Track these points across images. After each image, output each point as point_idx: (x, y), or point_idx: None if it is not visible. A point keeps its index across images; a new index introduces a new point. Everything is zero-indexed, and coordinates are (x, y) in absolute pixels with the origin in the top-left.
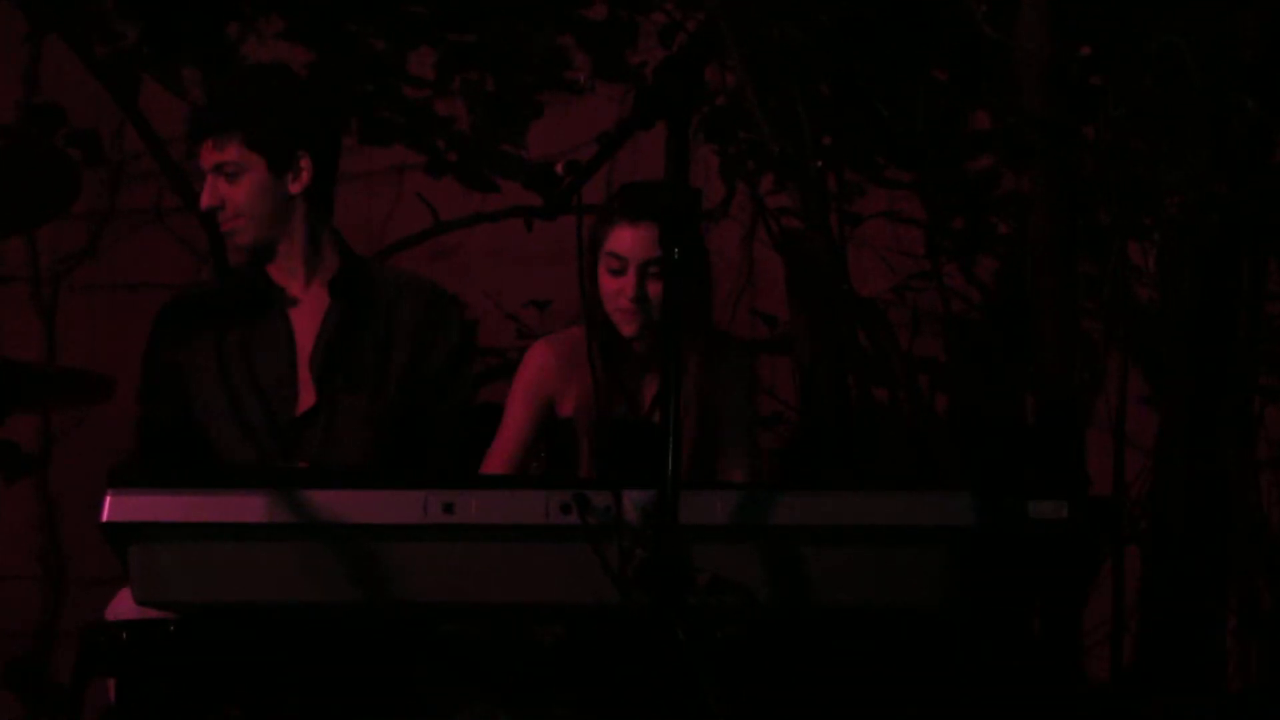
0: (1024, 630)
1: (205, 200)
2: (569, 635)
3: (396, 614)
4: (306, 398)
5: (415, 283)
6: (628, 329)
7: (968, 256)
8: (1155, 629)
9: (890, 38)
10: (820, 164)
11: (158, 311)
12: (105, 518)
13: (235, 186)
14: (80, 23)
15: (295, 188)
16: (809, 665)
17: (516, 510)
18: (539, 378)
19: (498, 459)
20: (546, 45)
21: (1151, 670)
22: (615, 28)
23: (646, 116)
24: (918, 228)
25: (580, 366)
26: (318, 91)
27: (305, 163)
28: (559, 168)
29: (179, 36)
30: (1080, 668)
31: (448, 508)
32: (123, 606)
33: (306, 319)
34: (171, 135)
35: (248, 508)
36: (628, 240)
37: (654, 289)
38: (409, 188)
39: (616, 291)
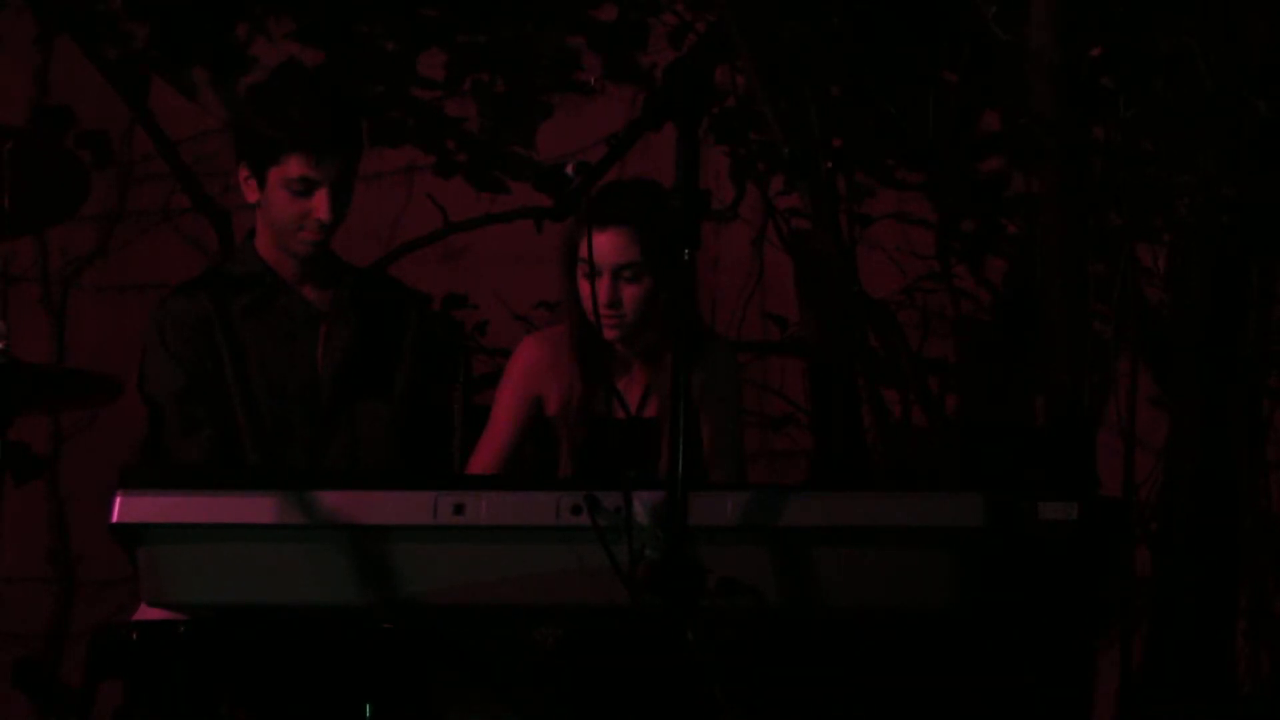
0: (1033, 632)
1: (330, 213)
2: (579, 636)
3: (406, 615)
4: (326, 403)
5: (408, 291)
6: (607, 333)
7: (978, 258)
8: (1165, 631)
9: (900, 39)
10: (830, 165)
11: (162, 302)
12: (115, 519)
13: (335, 198)
14: (90, 24)
15: None
16: (819, 666)
17: (527, 511)
18: (527, 374)
19: (484, 456)
20: (556, 46)
21: (1161, 672)
22: (625, 29)
23: (656, 118)
24: (928, 229)
25: (566, 364)
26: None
27: None
28: (569, 169)
29: (188, 38)
30: (1091, 670)
31: (458, 509)
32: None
33: (319, 323)
34: (181, 136)
35: (258, 509)
36: (599, 245)
37: (628, 292)
38: (419, 188)
39: (592, 296)
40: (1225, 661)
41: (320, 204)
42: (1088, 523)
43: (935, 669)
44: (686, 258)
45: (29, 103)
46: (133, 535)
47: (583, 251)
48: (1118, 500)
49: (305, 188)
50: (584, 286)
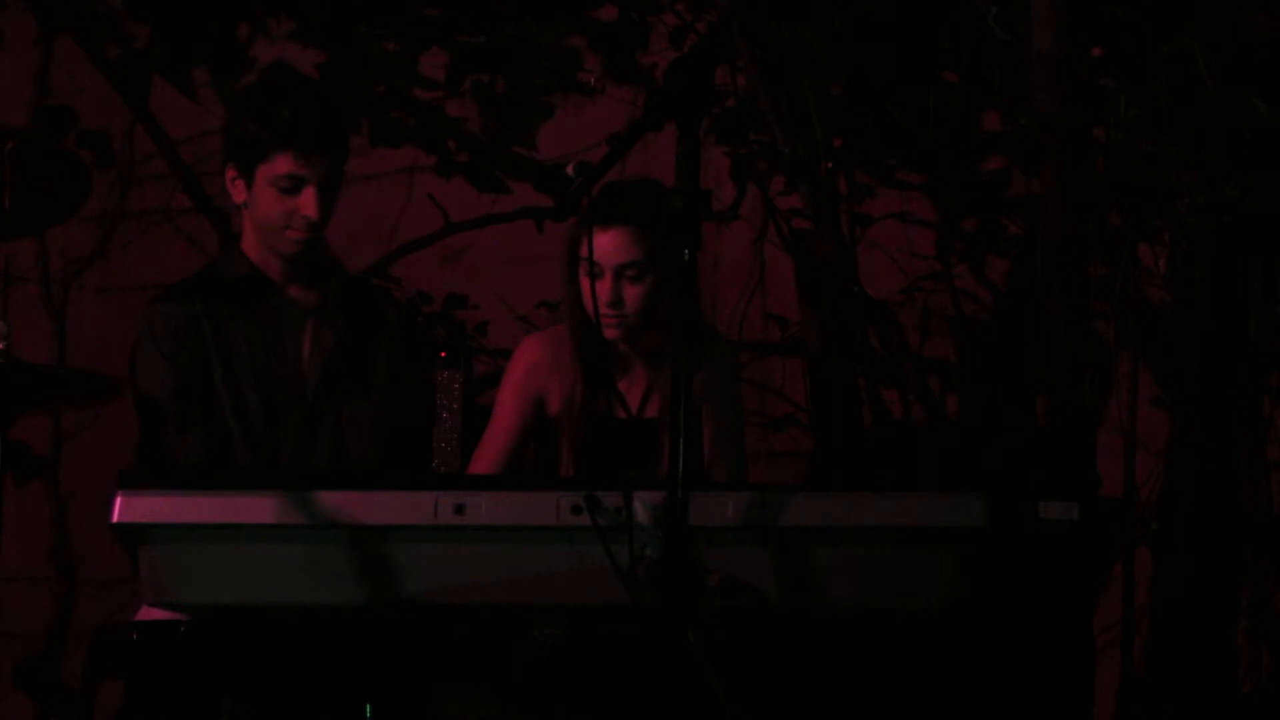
0: (1035, 631)
1: (318, 211)
2: (579, 636)
3: (407, 615)
4: (312, 401)
5: (385, 293)
6: (608, 332)
7: (978, 258)
8: (1166, 630)
9: (902, 39)
10: (830, 165)
11: (151, 304)
12: (115, 519)
13: (322, 197)
14: (91, 24)
15: None
16: (820, 666)
17: (527, 511)
18: (529, 374)
19: (486, 455)
20: (557, 47)
21: (1161, 672)
22: (626, 29)
23: (656, 118)
24: (928, 229)
25: (568, 364)
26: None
27: None
28: (570, 169)
29: (189, 38)
30: (1091, 669)
31: (459, 509)
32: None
33: (305, 323)
34: (182, 136)
35: (258, 509)
36: (601, 245)
37: (631, 292)
38: (420, 189)
39: (594, 295)
40: (1225, 661)
41: (308, 202)
42: (1088, 523)
43: (935, 669)
44: (687, 258)
45: (30, 103)
46: (133, 535)
47: (584, 251)
48: (1118, 500)
49: (293, 185)
50: (586, 286)
